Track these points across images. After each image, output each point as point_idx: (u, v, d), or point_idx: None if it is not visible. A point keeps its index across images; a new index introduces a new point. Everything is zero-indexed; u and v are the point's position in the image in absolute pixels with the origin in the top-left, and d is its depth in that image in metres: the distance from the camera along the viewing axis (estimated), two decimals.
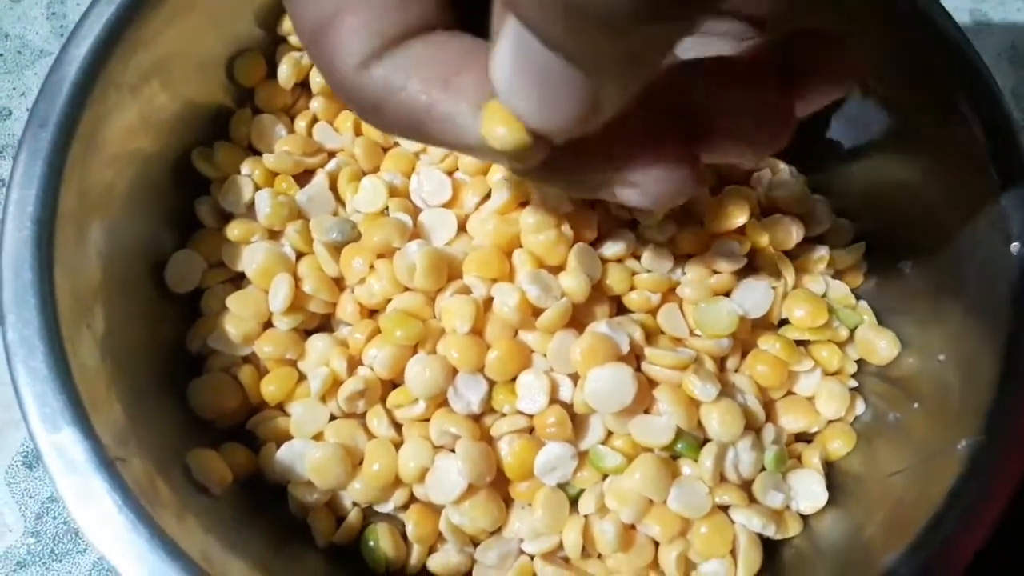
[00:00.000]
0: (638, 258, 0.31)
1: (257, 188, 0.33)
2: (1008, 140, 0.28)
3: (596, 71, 0.15)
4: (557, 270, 0.30)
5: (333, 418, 0.30)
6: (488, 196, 0.32)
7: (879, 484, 0.29)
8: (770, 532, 0.29)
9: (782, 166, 0.34)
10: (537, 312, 0.29)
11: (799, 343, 0.31)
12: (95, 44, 0.28)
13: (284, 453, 0.29)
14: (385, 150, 0.34)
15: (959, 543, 0.25)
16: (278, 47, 0.35)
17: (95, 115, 0.28)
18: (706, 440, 0.29)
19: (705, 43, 0.21)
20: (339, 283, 0.31)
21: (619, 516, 0.28)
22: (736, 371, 0.31)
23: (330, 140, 0.34)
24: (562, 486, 0.29)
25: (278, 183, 0.33)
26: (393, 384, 0.30)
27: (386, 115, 0.19)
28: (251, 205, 0.32)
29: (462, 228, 0.32)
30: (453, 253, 0.31)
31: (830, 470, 0.31)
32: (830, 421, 0.31)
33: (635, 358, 0.29)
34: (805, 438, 0.32)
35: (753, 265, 0.32)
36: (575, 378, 0.29)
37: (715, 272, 0.31)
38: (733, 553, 0.28)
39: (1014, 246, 0.27)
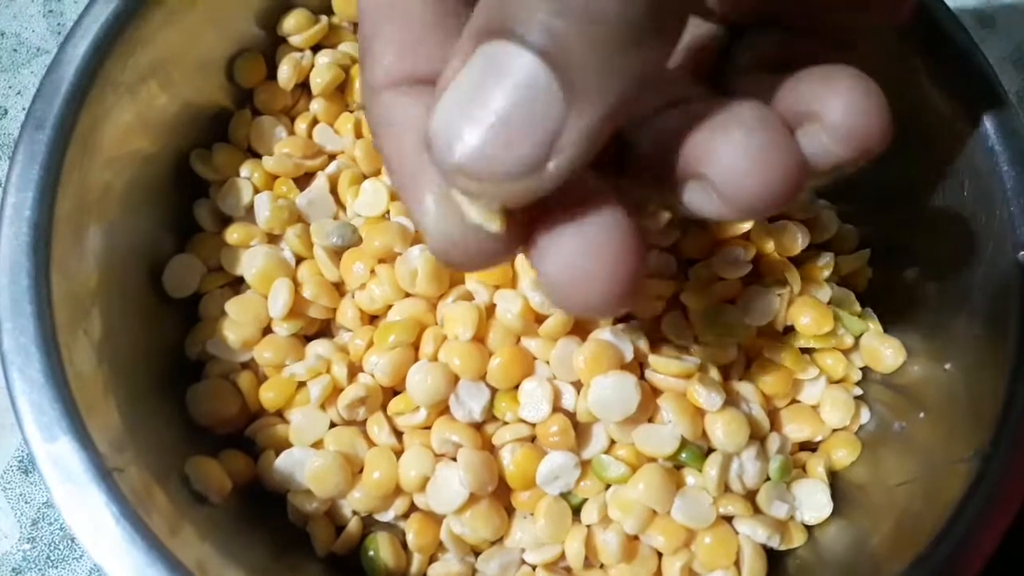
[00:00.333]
0: None
1: (257, 191, 0.32)
2: (1015, 145, 0.28)
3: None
4: None
5: (333, 425, 0.30)
6: None
7: (884, 494, 0.29)
8: (774, 543, 0.28)
9: None
10: (540, 319, 0.29)
11: (804, 351, 0.31)
12: (93, 44, 0.28)
13: (283, 461, 0.29)
14: None
15: (966, 555, 0.25)
16: (278, 48, 0.34)
17: (93, 116, 0.28)
18: (710, 450, 0.29)
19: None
20: (339, 288, 0.31)
21: (622, 526, 0.28)
22: (741, 379, 0.30)
23: (331, 142, 0.34)
24: (565, 496, 0.29)
25: (278, 186, 0.32)
26: (394, 391, 0.30)
27: (376, 142, 0.19)
28: (251, 208, 0.32)
29: None
30: None
31: (835, 480, 0.30)
32: (835, 430, 0.31)
33: (639, 366, 0.29)
34: (809, 447, 0.31)
35: (758, 271, 0.31)
36: (578, 386, 0.28)
37: (720, 278, 0.31)
38: (737, 564, 0.28)
39: (1021, 255, 0.27)
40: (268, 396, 0.30)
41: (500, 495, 0.29)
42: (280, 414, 0.31)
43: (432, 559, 0.29)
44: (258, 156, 0.33)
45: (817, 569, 0.29)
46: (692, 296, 0.30)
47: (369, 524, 0.30)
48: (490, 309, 0.29)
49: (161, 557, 0.24)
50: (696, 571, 0.28)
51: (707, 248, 0.31)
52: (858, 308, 0.32)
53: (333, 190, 0.33)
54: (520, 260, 0.30)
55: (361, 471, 0.29)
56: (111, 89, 0.28)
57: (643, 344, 0.29)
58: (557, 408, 0.28)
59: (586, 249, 0.16)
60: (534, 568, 0.29)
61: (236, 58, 0.33)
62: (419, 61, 0.18)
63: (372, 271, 0.30)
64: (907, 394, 0.30)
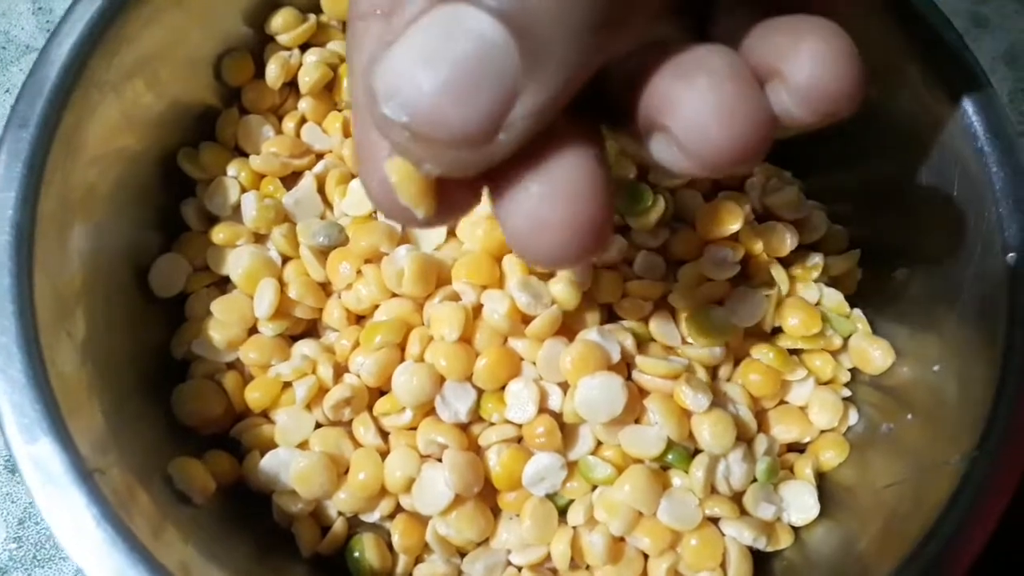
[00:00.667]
0: (630, 264, 0.31)
1: (243, 190, 0.32)
2: (1005, 146, 0.28)
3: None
4: (547, 277, 0.29)
5: (319, 426, 0.30)
6: None
7: (872, 496, 0.29)
8: (761, 544, 0.28)
9: (776, 172, 0.34)
10: (527, 319, 0.29)
11: (792, 352, 0.31)
12: (77, 43, 0.28)
13: (268, 461, 0.29)
14: None
15: (953, 557, 0.25)
16: (266, 46, 0.34)
17: (77, 115, 0.28)
18: (697, 451, 0.28)
19: None
20: (326, 288, 0.31)
21: (608, 528, 0.28)
22: (728, 380, 0.30)
23: (318, 141, 0.34)
24: (551, 497, 0.29)
25: (264, 185, 0.32)
26: (380, 392, 0.29)
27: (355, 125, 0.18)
28: (237, 207, 0.32)
29: (452, 233, 0.31)
30: (442, 258, 0.30)
31: (822, 481, 0.30)
32: (823, 431, 0.31)
33: (626, 367, 0.29)
34: (797, 448, 0.31)
35: (746, 272, 0.31)
36: (565, 387, 0.28)
37: (708, 279, 0.31)
38: (723, 566, 0.28)
39: (1010, 256, 0.27)
40: (253, 396, 0.30)
41: (486, 496, 0.29)
42: (266, 414, 0.30)
43: (418, 560, 0.29)
44: (245, 155, 0.33)
45: (804, 571, 0.29)
46: (680, 297, 0.30)
47: (354, 525, 0.30)
48: (477, 309, 0.29)
49: (143, 559, 0.23)
50: (682, 573, 0.28)
51: (695, 249, 0.31)
52: (847, 309, 0.32)
53: (321, 189, 0.32)
54: (507, 261, 0.30)
55: (347, 472, 0.29)
56: (96, 88, 0.28)
57: (630, 344, 0.29)
58: (543, 409, 0.28)
59: (547, 196, 0.15)
60: (520, 569, 0.29)
61: (224, 56, 0.33)
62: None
63: (358, 271, 0.30)
64: (895, 395, 0.30)
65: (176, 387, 0.30)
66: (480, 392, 0.28)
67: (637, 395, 0.28)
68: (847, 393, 0.31)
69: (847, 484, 0.30)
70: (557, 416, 0.28)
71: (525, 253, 0.16)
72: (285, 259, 0.31)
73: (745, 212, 0.31)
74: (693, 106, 0.15)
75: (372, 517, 0.29)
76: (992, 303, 0.27)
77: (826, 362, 0.31)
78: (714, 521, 0.28)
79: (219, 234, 0.31)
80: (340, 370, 0.29)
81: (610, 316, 0.31)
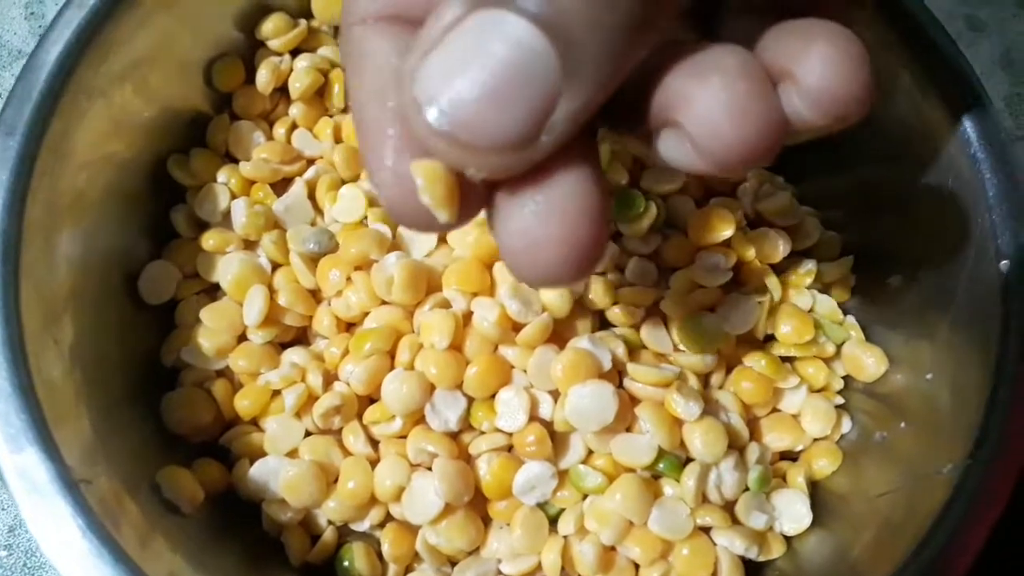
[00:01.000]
0: (622, 271, 0.31)
1: (233, 196, 0.32)
2: (998, 152, 0.27)
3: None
4: None
5: (308, 434, 0.29)
6: None
7: (865, 505, 0.28)
8: (753, 554, 0.28)
9: (769, 177, 0.34)
10: (517, 327, 0.28)
11: (784, 359, 0.31)
12: (65, 48, 0.27)
13: (258, 470, 0.29)
14: None
15: (947, 567, 0.24)
16: (257, 51, 0.34)
17: (65, 121, 0.27)
18: (688, 460, 0.28)
19: None
20: (315, 295, 0.31)
21: (599, 537, 0.27)
22: (720, 388, 0.30)
23: (309, 147, 0.33)
24: (541, 506, 0.28)
25: (255, 191, 0.32)
26: (370, 400, 0.29)
27: (346, 79, 0.18)
28: (227, 214, 0.32)
29: (442, 240, 0.31)
30: (432, 265, 0.30)
31: (815, 490, 0.30)
32: (815, 439, 0.31)
33: (617, 374, 0.29)
34: (790, 456, 0.31)
35: (738, 279, 0.31)
36: (556, 395, 0.28)
37: (700, 286, 0.30)
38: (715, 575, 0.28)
39: (1003, 263, 0.27)
40: (243, 404, 0.30)
41: (476, 505, 0.28)
42: (255, 422, 0.30)
43: (408, 569, 0.29)
44: (236, 161, 0.33)
45: None
46: (672, 304, 0.30)
47: (344, 534, 0.30)
48: (467, 317, 0.29)
49: (129, 570, 0.23)
50: None
51: (687, 255, 0.31)
52: (840, 316, 0.32)
53: (311, 196, 0.32)
54: (498, 268, 0.29)
55: (336, 480, 0.29)
56: (85, 93, 0.28)
57: (621, 352, 0.29)
58: (534, 417, 0.28)
59: (544, 214, 0.15)
60: None
61: (214, 62, 0.33)
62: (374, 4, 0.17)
63: (348, 278, 0.30)
64: (889, 403, 0.30)
65: (165, 395, 0.30)
66: (470, 400, 0.28)
67: (628, 403, 0.28)
68: (840, 401, 0.31)
69: (840, 493, 0.30)
70: (548, 424, 0.28)
71: (519, 271, 0.16)
72: (275, 266, 0.31)
73: (737, 218, 0.31)
74: (706, 104, 0.15)
75: (362, 526, 0.29)
76: (985, 310, 0.27)
77: (819, 370, 0.31)
78: (706, 530, 0.28)
79: (209, 241, 0.31)
80: (330, 378, 0.29)
81: (601, 323, 0.30)
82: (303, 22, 0.34)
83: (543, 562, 0.28)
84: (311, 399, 0.29)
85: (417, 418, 0.28)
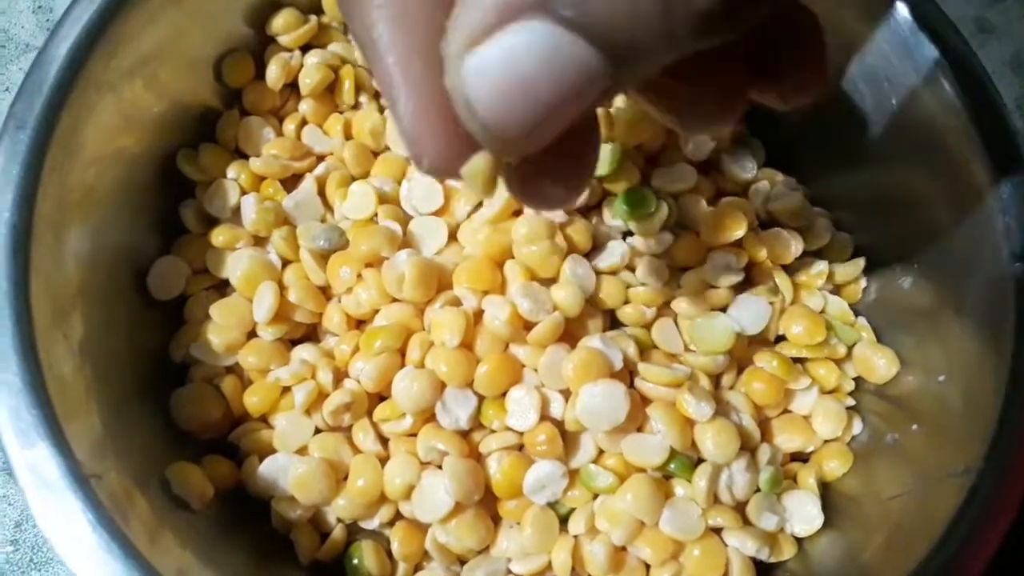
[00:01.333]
0: (633, 270, 0.31)
1: (243, 192, 0.32)
2: (1011, 155, 0.27)
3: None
4: (550, 282, 0.29)
5: (318, 431, 0.29)
6: (480, 204, 0.31)
7: (877, 507, 0.28)
8: (764, 555, 0.28)
9: (781, 177, 0.33)
10: (529, 326, 0.28)
11: (796, 360, 0.31)
12: (75, 43, 0.27)
13: (267, 467, 0.29)
14: (376, 154, 0.33)
15: (960, 571, 0.24)
16: (267, 47, 0.34)
17: (75, 116, 0.27)
18: (700, 460, 0.28)
19: None
20: (326, 292, 0.31)
21: (610, 537, 0.27)
22: (731, 388, 0.30)
23: (319, 143, 0.33)
24: (552, 505, 0.28)
25: (265, 187, 0.32)
26: (380, 397, 0.29)
27: (350, 21, 0.18)
28: (237, 210, 0.32)
29: (453, 237, 0.31)
30: (443, 263, 0.30)
31: (826, 491, 0.30)
32: (827, 441, 0.31)
33: (628, 374, 0.29)
34: (801, 458, 0.31)
35: (750, 279, 0.31)
36: (566, 394, 0.28)
37: (711, 286, 0.30)
38: None
39: (1017, 265, 0.27)
40: (252, 401, 0.29)
41: (486, 504, 0.28)
42: (264, 419, 0.30)
43: (417, 568, 0.29)
44: (245, 157, 0.33)
45: None
46: (684, 304, 0.30)
47: (353, 532, 0.29)
48: (478, 315, 0.29)
49: (138, 565, 0.23)
50: None
51: (699, 255, 0.31)
52: (851, 317, 0.32)
53: (321, 192, 0.32)
54: (509, 266, 0.29)
55: (346, 478, 0.29)
56: (95, 88, 0.28)
57: (633, 351, 0.29)
58: (545, 416, 0.28)
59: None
60: None
61: (224, 57, 0.33)
62: None
63: (359, 275, 0.29)
64: (900, 405, 0.30)
65: (174, 391, 0.30)
66: (481, 399, 0.28)
67: (639, 403, 0.28)
68: (851, 402, 0.31)
69: (851, 494, 0.30)
70: (558, 424, 0.28)
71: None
72: (285, 262, 0.31)
73: (749, 218, 0.31)
74: None
75: (371, 524, 0.29)
76: (998, 312, 0.27)
77: (830, 371, 0.31)
78: (717, 531, 0.28)
79: (218, 236, 0.31)
80: (340, 375, 0.29)
81: (612, 323, 0.30)
82: (313, 18, 0.34)
83: (553, 562, 0.28)
84: (321, 396, 0.29)
85: (427, 416, 0.28)
